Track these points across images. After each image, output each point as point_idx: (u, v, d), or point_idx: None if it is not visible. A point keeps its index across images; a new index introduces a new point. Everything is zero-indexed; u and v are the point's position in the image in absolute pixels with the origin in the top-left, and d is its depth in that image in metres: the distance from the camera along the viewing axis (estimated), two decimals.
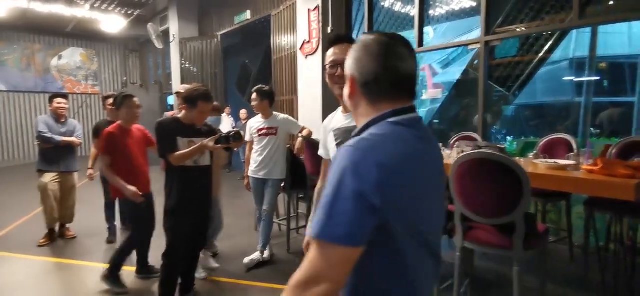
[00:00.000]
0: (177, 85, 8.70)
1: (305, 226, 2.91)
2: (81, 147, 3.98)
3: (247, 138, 3.27)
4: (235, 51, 9.43)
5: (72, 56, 11.39)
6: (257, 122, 3.22)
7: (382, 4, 6.00)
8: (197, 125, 2.41)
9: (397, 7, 6.43)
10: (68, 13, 8.33)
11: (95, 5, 8.47)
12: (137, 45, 12.23)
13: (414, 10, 6.25)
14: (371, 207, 0.70)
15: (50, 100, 3.89)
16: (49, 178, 3.74)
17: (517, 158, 2.68)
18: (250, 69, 9.91)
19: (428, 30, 6.01)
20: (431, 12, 6.09)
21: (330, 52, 1.41)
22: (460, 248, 2.07)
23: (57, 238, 3.90)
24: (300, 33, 5.45)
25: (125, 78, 12.34)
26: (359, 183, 0.70)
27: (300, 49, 5.44)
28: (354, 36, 5.66)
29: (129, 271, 3.17)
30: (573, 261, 3.14)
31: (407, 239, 0.78)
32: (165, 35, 9.19)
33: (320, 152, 1.54)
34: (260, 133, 3.18)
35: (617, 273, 2.80)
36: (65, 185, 3.88)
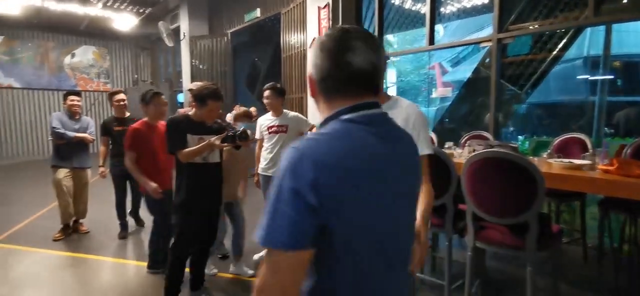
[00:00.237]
0: (188, 83, 8.77)
1: None
2: (94, 144, 4.02)
3: (257, 135, 3.28)
4: (245, 49, 9.46)
5: (84, 54, 11.55)
6: (267, 120, 3.23)
7: (393, 1, 5.96)
8: (207, 122, 2.43)
9: (408, 4, 6.39)
10: (81, 11, 8.44)
11: (108, 4, 8.56)
12: (148, 43, 12.34)
13: (424, 8, 6.20)
14: (309, 207, 0.67)
15: (64, 98, 3.95)
16: (62, 173, 3.80)
17: (531, 157, 2.64)
18: (259, 66, 9.94)
19: (438, 28, 5.95)
20: (442, 9, 6.03)
21: None
22: (471, 247, 2.05)
23: (71, 233, 3.96)
24: (310, 31, 5.45)
25: (136, 76, 12.47)
26: (295, 182, 0.68)
27: (310, 46, 5.44)
28: None
29: (139, 266, 3.21)
30: (586, 263, 3.09)
31: (355, 246, 0.73)
32: (175, 33, 9.26)
33: None
34: (270, 130, 3.19)
35: (631, 274, 2.75)
36: (79, 181, 3.95)
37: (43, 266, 3.27)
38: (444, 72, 15.08)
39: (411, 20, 7.68)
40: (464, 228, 2.15)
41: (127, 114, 3.89)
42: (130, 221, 4.02)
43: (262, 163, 3.27)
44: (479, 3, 6.45)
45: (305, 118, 3.41)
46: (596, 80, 8.36)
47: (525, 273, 1.87)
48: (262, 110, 3.33)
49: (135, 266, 3.27)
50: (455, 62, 14.87)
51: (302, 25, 5.79)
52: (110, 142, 3.82)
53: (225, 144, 2.38)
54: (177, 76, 10.69)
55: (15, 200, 5.64)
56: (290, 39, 6.19)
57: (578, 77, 9.68)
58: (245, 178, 3.07)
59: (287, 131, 3.17)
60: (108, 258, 3.41)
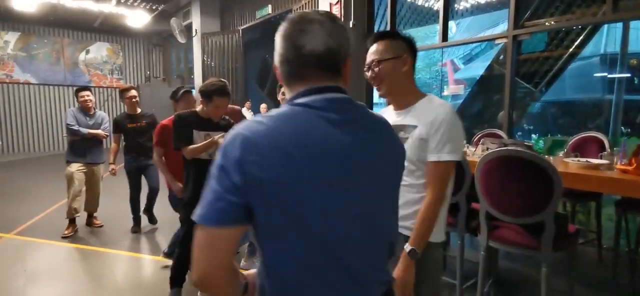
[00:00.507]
0: (199, 80, 8.83)
1: None
2: (107, 140, 4.06)
3: None
4: (256, 46, 9.49)
5: (98, 50, 11.72)
6: None
7: None
8: (214, 119, 2.45)
9: (420, 0, 6.32)
10: (96, 8, 8.56)
11: (122, 1, 8.67)
12: (160, 39, 12.47)
13: (437, 4, 6.13)
14: (232, 185, 0.67)
15: (76, 94, 4.00)
16: (75, 167, 3.85)
17: (546, 156, 2.59)
18: (270, 63, 9.96)
19: (450, 25, 5.89)
20: (455, 5, 5.95)
21: (369, 51, 1.38)
22: (484, 247, 2.03)
23: (77, 229, 3.95)
24: None
25: (148, 73, 12.61)
26: (224, 159, 0.69)
27: None
28: (376, 31, 5.61)
29: (152, 260, 3.25)
30: (601, 264, 3.03)
31: (281, 230, 0.71)
32: (187, 30, 9.33)
33: None
34: None
35: None
36: (91, 176, 3.99)
37: (58, 259, 3.33)
38: (456, 69, 14.91)
39: (423, 16, 7.60)
40: (476, 227, 2.12)
41: (139, 110, 3.91)
42: (144, 217, 4.07)
43: None
44: None
45: None
46: (613, 79, 8.18)
47: (537, 273, 1.84)
48: (272, 107, 3.34)
49: (147, 260, 3.31)
50: (468, 59, 14.69)
51: None
52: (122, 138, 3.86)
53: None
54: (189, 72, 10.79)
55: (31, 193, 5.76)
56: None
57: (594, 75, 9.48)
58: None
59: None
60: (121, 252, 3.46)
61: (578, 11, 4.81)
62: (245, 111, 7.91)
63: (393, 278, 0.91)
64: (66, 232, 3.78)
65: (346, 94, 0.81)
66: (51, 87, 11.03)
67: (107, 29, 11.24)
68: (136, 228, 3.96)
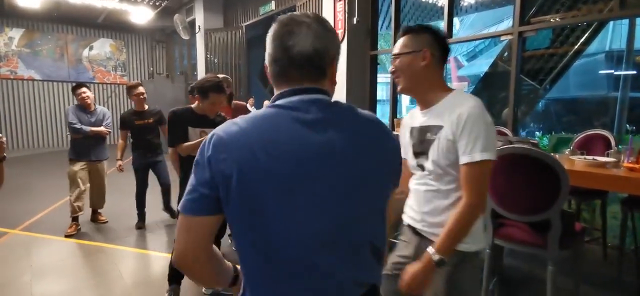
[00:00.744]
0: (202, 76, 8.82)
1: None
2: (110, 135, 4.05)
3: None
4: (259, 42, 9.47)
5: (102, 47, 11.73)
6: None
7: None
8: (209, 115, 2.42)
9: None
10: (99, 4, 8.56)
11: None
12: (163, 36, 12.47)
13: (442, 0, 6.09)
14: (204, 179, 0.74)
15: (74, 91, 3.89)
16: (78, 166, 3.82)
17: (552, 154, 2.58)
18: None
19: (454, 21, 5.86)
20: (461, 2, 5.92)
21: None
22: (490, 245, 2.02)
23: (80, 227, 3.93)
24: None
25: (151, 69, 12.62)
26: (200, 156, 0.76)
27: None
28: (381, 27, 5.59)
29: (157, 256, 3.26)
30: (606, 262, 3.02)
31: (245, 222, 0.75)
32: (191, 26, 9.33)
33: (402, 152, 1.37)
34: None
35: None
36: (96, 173, 3.97)
37: (63, 255, 3.35)
38: (459, 66, 14.86)
39: (427, 12, 7.56)
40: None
41: (146, 107, 3.90)
42: (163, 214, 4.06)
43: None
44: None
45: None
46: (618, 76, 8.12)
47: (541, 271, 1.83)
48: None
49: (153, 256, 3.32)
50: (471, 56, 14.63)
51: None
52: (129, 135, 3.85)
53: None
54: (192, 69, 10.79)
55: (35, 190, 5.79)
56: None
57: (599, 72, 9.41)
58: None
59: None
60: (126, 248, 3.47)
61: (584, 8, 4.78)
62: (249, 108, 7.92)
63: (379, 282, 0.90)
64: (69, 230, 3.77)
65: (328, 96, 0.82)
66: (55, 83, 11.06)
67: (111, 25, 11.25)
68: (140, 224, 3.97)
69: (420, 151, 1.30)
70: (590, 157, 2.31)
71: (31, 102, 10.83)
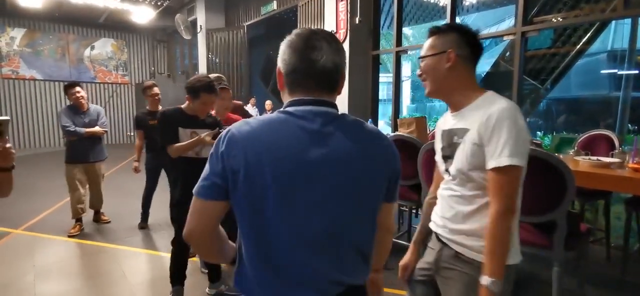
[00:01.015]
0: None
1: None
2: (108, 135, 3.98)
3: None
4: (260, 42, 9.48)
5: (103, 46, 11.74)
6: None
7: None
8: (200, 116, 2.40)
9: None
10: (101, 4, 8.57)
11: None
12: (164, 35, 12.48)
13: (443, 0, 6.09)
14: (217, 170, 0.85)
15: (66, 91, 3.75)
16: (76, 169, 3.77)
17: (556, 154, 2.58)
18: (274, 60, 9.93)
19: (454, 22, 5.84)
20: (463, 1, 5.91)
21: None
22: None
23: (83, 227, 3.93)
24: (328, 23, 5.41)
25: (153, 68, 12.63)
26: (215, 148, 0.87)
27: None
28: (382, 27, 5.58)
29: (160, 256, 3.26)
30: (610, 263, 3.02)
31: (246, 214, 0.86)
32: (192, 26, 9.33)
33: (436, 156, 1.36)
34: None
35: None
36: (93, 174, 3.90)
37: (66, 255, 3.36)
38: None
39: (429, 12, 7.56)
40: None
41: (161, 108, 3.87)
42: (164, 215, 4.07)
43: None
44: None
45: None
46: (620, 75, 8.11)
47: (545, 271, 1.83)
48: (277, 104, 3.33)
49: (156, 257, 3.32)
50: None
51: (319, 18, 5.76)
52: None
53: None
54: (193, 68, 10.79)
55: (37, 189, 5.80)
56: None
57: (601, 71, 9.40)
58: None
59: None
60: (130, 248, 3.48)
61: (586, 7, 4.76)
62: (250, 108, 7.91)
63: (363, 284, 0.97)
64: (72, 231, 3.77)
65: (335, 109, 0.91)
66: (56, 82, 11.07)
67: (112, 25, 11.26)
68: (143, 224, 3.97)
69: (448, 155, 1.25)
70: (595, 158, 2.31)
71: (33, 101, 10.84)
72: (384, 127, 7.98)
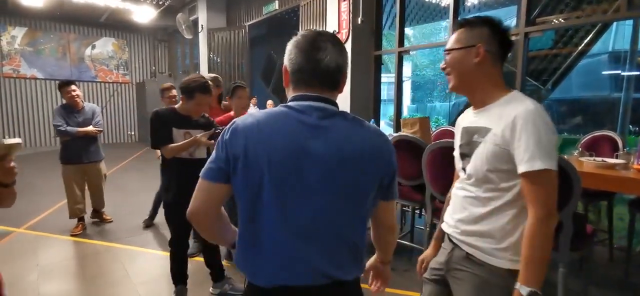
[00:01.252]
0: (205, 75, 8.80)
1: None
2: (108, 134, 3.96)
3: None
4: (262, 42, 9.48)
5: (104, 46, 11.74)
6: None
7: None
8: (193, 116, 2.39)
9: None
10: (102, 3, 8.56)
11: None
12: (165, 35, 12.48)
13: (445, 0, 6.08)
14: (221, 155, 0.93)
15: (61, 90, 3.67)
16: (70, 170, 3.73)
17: (561, 155, 2.58)
18: (275, 60, 9.95)
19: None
20: (465, 2, 5.91)
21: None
22: None
23: (86, 227, 3.92)
24: (330, 23, 5.41)
25: (154, 68, 12.63)
26: (222, 137, 0.95)
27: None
28: (384, 27, 5.58)
29: (163, 255, 3.26)
30: (613, 264, 3.02)
31: (244, 196, 0.93)
32: (194, 25, 9.32)
33: (455, 152, 1.34)
34: None
35: None
36: (92, 176, 3.85)
37: (69, 254, 3.36)
38: None
39: (430, 12, 7.56)
40: None
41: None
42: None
43: None
44: None
45: None
46: (622, 76, 8.11)
47: (549, 272, 1.83)
48: (278, 104, 3.34)
49: (159, 256, 3.32)
50: None
51: (321, 17, 5.76)
52: None
53: (213, 141, 2.31)
54: (195, 68, 10.79)
55: (39, 188, 5.80)
56: None
57: (602, 72, 9.40)
58: None
59: None
60: (133, 247, 3.47)
61: (588, 8, 4.76)
62: (251, 107, 7.91)
63: (351, 280, 0.99)
64: (75, 230, 3.77)
65: (335, 106, 0.97)
66: (57, 82, 11.05)
67: (113, 24, 11.26)
68: (149, 221, 3.96)
69: (466, 153, 1.21)
70: (600, 159, 2.31)
71: (34, 100, 10.84)
72: (384, 127, 7.99)
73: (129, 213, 4.29)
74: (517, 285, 1.05)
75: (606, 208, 3.06)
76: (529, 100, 1.09)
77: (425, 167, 2.39)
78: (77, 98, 3.69)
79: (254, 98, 8.39)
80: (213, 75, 3.47)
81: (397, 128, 5.23)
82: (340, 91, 1.01)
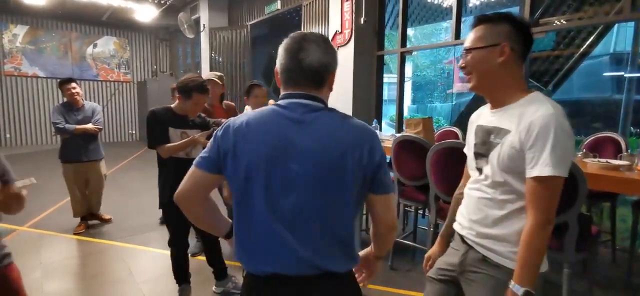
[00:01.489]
0: (207, 75, 8.79)
1: None
2: (109, 133, 3.96)
3: None
4: (263, 41, 9.47)
5: (106, 44, 11.74)
6: None
7: None
8: (189, 116, 2.39)
9: None
10: (104, 2, 8.56)
11: None
12: (167, 34, 12.47)
13: (448, 1, 6.09)
14: (214, 149, 1.03)
15: (61, 87, 3.67)
16: (70, 169, 3.71)
17: None
18: (276, 59, 9.94)
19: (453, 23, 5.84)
20: (469, 3, 5.92)
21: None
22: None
23: (88, 226, 3.91)
24: (333, 24, 5.41)
25: (155, 67, 12.63)
26: (215, 134, 1.05)
27: (332, 40, 5.40)
28: (387, 27, 5.59)
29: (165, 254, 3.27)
30: (616, 265, 3.02)
31: (233, 185, 1.02)
32: (195, 25, 9.32)
33: (465, 148, 1.33)
34: None
35: None
36: (92, 174, 3.83)
37: (72, 252, 3.36)
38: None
39: (432, 12, 7.57)
40: None
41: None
42: None
43: None
44: None
45: None
46: (623, 78, 8.11)
47: (553, 273, 1.83)
48: None
49: (162, 254, 3.33)
50: None
51: (324, 17, 5.75)
52: None
53: (211, 141, 2.34)
54: (196, 67, 10.78)
55: (40, 186, 5.79)
56: (311, 31, 6.15)
57: (604, 74, 9.40)
58: None
59: None
60: (136, 246, 3.48)
61: (590, 9, 4.77)
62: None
63: (343, 272, 1.02)
64: (78, 229, 3.77)
65: (319, 102, 1.02)
66: (59, 80, 11.07)
67: (115, 23, 11.26)
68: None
69: (482, 153, 1.19)
70: (604, 160, 2.31)
71: (35, 98, 10.83)
72: (385, 127, 7.98)
73: (131, 212, 4.30)
74: (511, 284, 1.06)
75: (608, 209, 3.06)
76: (550, 102, 1.06)
77: (430, 167, 2.40)
78: (77, 96, 3.68)
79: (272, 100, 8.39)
80: (218, 73, 3.47)
81: (399, 128, 5.23)
82: (329, 89, 1.06)
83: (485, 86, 1.16)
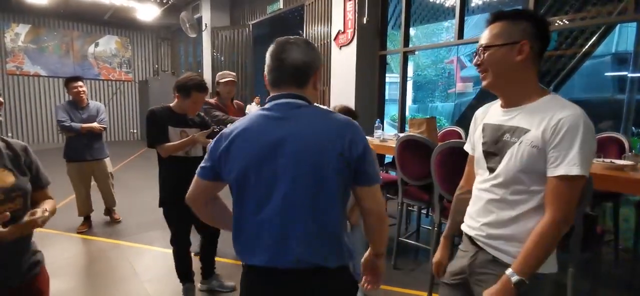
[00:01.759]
0: (208, 75, 8.80)
1: None
2: (111, 132, 3.98)
3: None
4: (265, 41, 9.46)
5: (107, 43, 11.74)
6: None
7: None
8: (189, 115, 2.39)
9: None
10: (106, 1, 8.57)
11: None
12: (168, 33, 12.48)
13: (450, 0, 6.09)
14: (211, 157, 1.12)
15: (67, 85, 3.66)
16: (76, 167, 3.73)
17: None
18: None
19: (455, 22, 5.84)
20: (471, 3, 5.92)
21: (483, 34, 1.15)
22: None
23: (92, 224, 3.94)
24: (335, 23, 5.41)
25: (156, 66, 12.63)
26: (213, 141, 1.13)
27: (335, 39, 5.41)
28: (389, 27, 5.59)
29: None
30: (619, 265, 3.03)
31: (235, 198, 1.11)
32: (197, 24, 9.32)
33: (466, 146, 1.32)
34: None
35: None
36: (99, 173, 3.85)
37: (75, 251, 3.37)
38: (462, 67, 14.82)
39: (435, 12, 7.56)
40: None
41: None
42: None
43: None
44: None
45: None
46: (625, 78, 8.11)
47: (559, 273, 1.84)
48: None
49: (166, 253, 3.33)
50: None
51: (326, 17, 5.75)
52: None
53: (211, 139, 2.35)
54: (198, 66, 10.79)
55: None
56: (314, 31, 6.15)
57: (605, 74, 9.40)
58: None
59: None
60: (139, 245, 3.49)
61: (593, 9, 4.76)
62: (254, 106, 7.91)
63: (333, 267, 1.06)
64: (81, 228, 3.78)
65: (301, 100, 1.09)
66: (60, 79, 11.05)
67: (117, 22, 11.26)
68: None
69: (493, 152, 1.16)
70: (608, 160, 2.32)
71: (37, 97, 10.84)
72: (387, 127, 7.98)
73: (134, 211, 4.30)
74: (509, 271, 1.06)
75: (612, 209, 3.07)
76: (572, 104, 1.05)
77: (435, 167, 2.40)
78: (82, 94, 3.69)
79: (257, 98, 8.38)
80: (233, 73, 3.50)
81: (402, 128, 5.23)
82: (314, 88, 1.13)
83: (501, 84, 1.13)
